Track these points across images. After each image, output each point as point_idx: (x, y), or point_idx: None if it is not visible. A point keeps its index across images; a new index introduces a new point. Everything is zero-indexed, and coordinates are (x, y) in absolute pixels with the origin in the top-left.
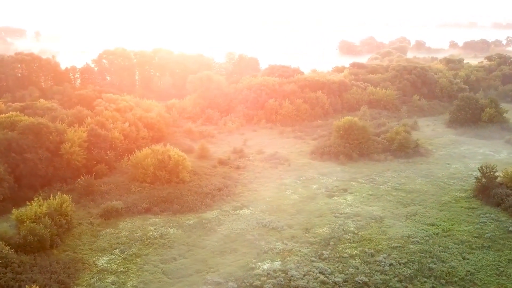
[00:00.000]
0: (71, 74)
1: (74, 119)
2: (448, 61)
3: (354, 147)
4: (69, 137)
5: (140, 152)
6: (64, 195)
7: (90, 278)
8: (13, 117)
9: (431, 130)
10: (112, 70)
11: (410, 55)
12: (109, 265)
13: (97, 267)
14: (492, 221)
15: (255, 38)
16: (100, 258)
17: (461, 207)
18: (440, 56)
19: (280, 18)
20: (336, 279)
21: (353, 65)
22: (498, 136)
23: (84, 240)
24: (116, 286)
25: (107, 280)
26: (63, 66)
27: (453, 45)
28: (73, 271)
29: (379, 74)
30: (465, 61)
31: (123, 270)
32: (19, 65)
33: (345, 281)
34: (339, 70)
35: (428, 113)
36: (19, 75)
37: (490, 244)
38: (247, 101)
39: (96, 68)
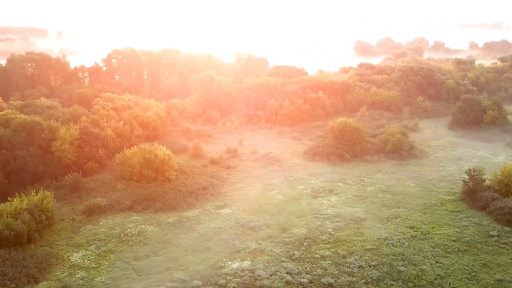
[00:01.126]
0: (79, 73)
1: (70, 117)
2: (458, 62)
3: (347, 148)
4: (60, 135)
5: (129, 150)
6: (46, 192)
7: (61, 273)
8: (9, 114)
9: (431, 132)
10: (120, 70)
11: (427, 56)
12: (82, 260)
13: (70, 262)
14: (474, 225)
15: (255, 38)
16: (75, 253)
17: (446, 210)
18: (459, 57)
19: (280, 18)
20: (302, 280)
21: (361, 65)
22: (499, 138)
23: (63, 236)
24: (85, 281)
25: (77, 276)
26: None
27: (472, 46)
28: (45, 266)
29: (385, 75)
30: (483, 62)
31: (95, 266)
32: (29, 64)
33: (310, 282)
34: (346, 70)
35: (433, 115)
36: (29, 74)
37: (466, 248)
38: (248, 101)
39: (104, 68)
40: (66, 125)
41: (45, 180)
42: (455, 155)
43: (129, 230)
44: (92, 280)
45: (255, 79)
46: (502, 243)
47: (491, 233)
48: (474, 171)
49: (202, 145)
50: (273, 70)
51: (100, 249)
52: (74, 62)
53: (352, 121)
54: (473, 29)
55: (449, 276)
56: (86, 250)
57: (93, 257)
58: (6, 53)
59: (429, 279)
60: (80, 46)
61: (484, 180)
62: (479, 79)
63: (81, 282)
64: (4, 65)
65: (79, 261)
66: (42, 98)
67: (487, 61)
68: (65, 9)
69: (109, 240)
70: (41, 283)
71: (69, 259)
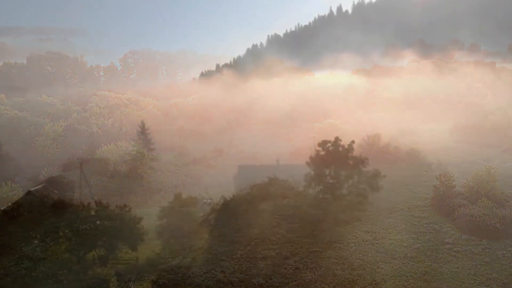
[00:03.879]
0: (95, 72)
1: (62, 114)
2: (477, 64)
3: (330, 149)
4: (45, 131)
5: (106, 147)
6: (14, 184)
7: (8, 262)
8: (1, 110)
9: (431, 136)
10: (136, 69)
11: (458, 58)
12: (33, 251)
13: (22, 252)
14: (433, 231)
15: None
16: (29, 244)
17: (411, 215)
18: (496, 59)
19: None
20: (233, 279)
21: (374, 67)
22: (498, 144)
23: (26, 227)
24: (27, 271)
25: (22, 265)
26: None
27: (511, 47)
28: None
29: (394, 78)
30: None
31: (43, 256)
32: (47, 63)
33: (241, 281)
34: (356, 72)
35: (440, 118)
36: (47, 72)
37: (414, 254)
38: (249, 101)
39: (120, 67)
40: (53, 122)
41: (27, 173)
42: (445, 160)
43: (89, 224)
44: (34, 270)
45: (258, 80)
46: (454, 251)
47: (446, 240)
48: (444, 176)
49: (194, 144)
50: (281, 71)
51: (54, 241)
52: (106, 62)
53: (339, 123)
54: None
55: (385, 282)
56: (41, 241)
57: (45, 248)
58: None
59: (363, 284)
60: (116, 45)
61: (454, 186)
62: (495, 83)
63: (23, 272)
64: (24, 63)
65: (30, 251)
66: (44, 95)
67: None
68: (108, 10)
69: (66, 233)
70: None
71: (21, 250)
